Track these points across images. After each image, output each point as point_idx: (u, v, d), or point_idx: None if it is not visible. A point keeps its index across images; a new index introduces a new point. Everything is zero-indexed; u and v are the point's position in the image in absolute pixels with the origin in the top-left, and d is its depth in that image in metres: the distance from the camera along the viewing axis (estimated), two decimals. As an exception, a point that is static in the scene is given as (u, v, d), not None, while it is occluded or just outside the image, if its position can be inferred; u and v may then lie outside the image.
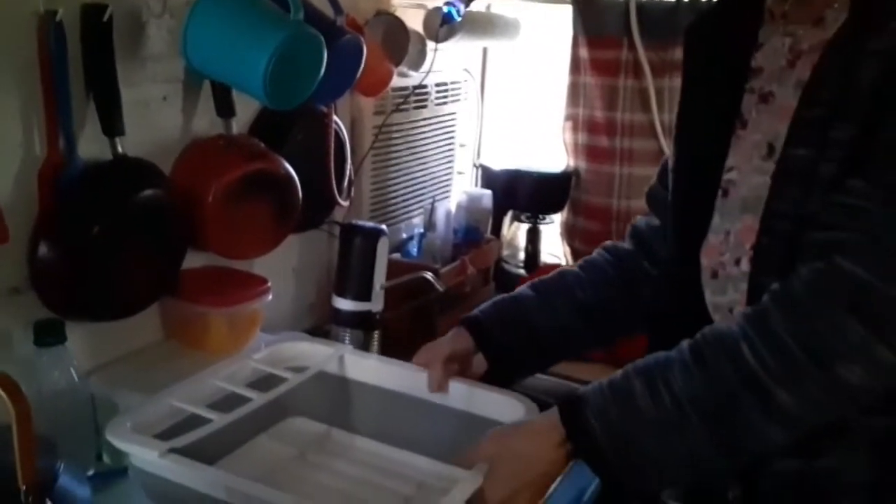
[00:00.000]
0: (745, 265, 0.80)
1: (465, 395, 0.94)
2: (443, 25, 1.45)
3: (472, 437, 0.84)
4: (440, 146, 1.75)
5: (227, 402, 0.90)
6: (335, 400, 1.01)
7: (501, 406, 0.91)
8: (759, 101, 0.82)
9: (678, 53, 1.57)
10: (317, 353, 1.02)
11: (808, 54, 0.78)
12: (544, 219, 1.81)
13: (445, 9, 1.43)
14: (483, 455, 0.79)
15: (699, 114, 0.89)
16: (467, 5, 1.44)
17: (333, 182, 1.33)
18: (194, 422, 0.85)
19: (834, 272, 0.69)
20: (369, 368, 1.01)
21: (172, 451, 0.79)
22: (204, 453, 0.81)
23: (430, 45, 1.49)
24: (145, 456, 0.79)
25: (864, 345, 0.66)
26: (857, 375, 0.67)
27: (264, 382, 0.96)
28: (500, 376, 0.97)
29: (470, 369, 0.99)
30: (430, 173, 1.74)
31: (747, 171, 0.82)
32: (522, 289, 1.02)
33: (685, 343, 0.75)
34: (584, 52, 1.66)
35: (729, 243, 0.82)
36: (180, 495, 0.78)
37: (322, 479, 0.94)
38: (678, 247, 0.90)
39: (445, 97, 1.73)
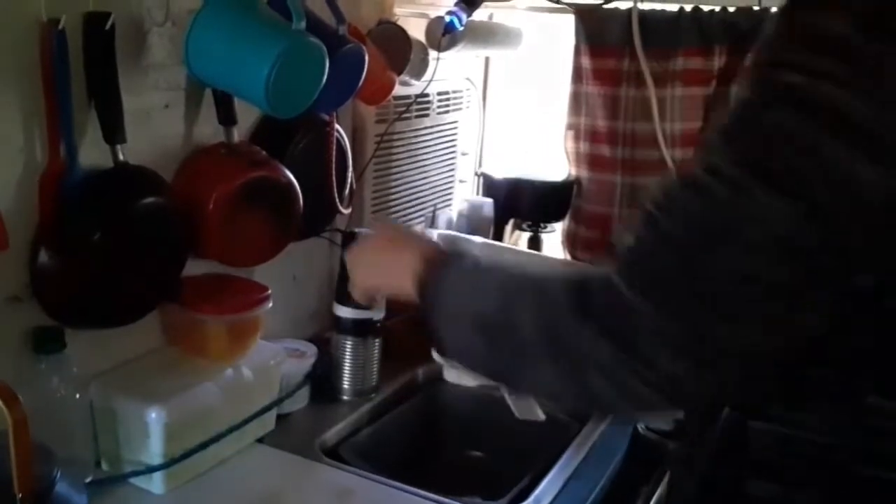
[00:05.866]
0: None
1: None
2: (445, 34, 1.45)
3: None
4: (442, 155, 1.76)
5: None
6: None
7: None
8: None
9: (680, 63, 1.61)
10: None
11: None
12: (546, 227, 1.80)
13: (447, 18, 1.43)
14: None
15: None
16: (469, 15, 1.44)
17: (335, 190, 1.33)
18: None
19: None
20: None
21: None
22: None
23: (433, 54, 1.49)
24: None
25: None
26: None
27: None
28: None
29: None
30: (432, 182, 1.74)
31: None
32: None
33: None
34: (586, 62, 1.66)
35: None
36: None
37: None
38: None
39: (447, 106, 1.73)
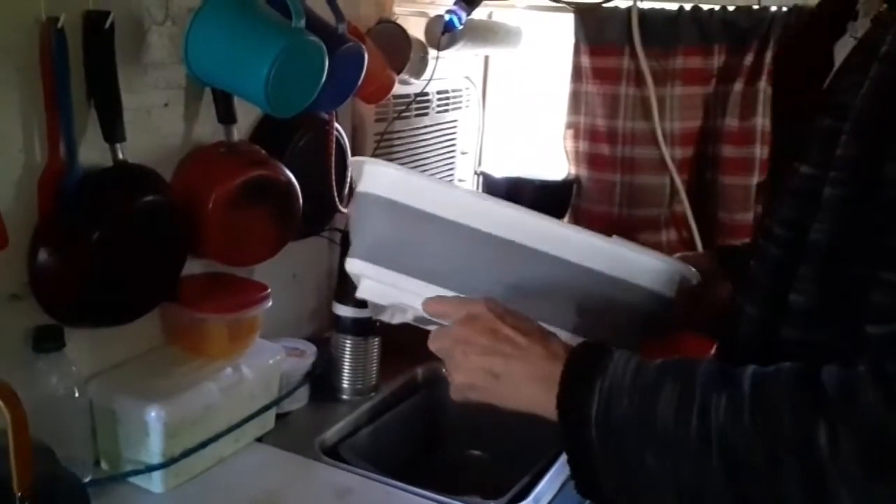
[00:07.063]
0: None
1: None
2: (444, 33, 1.45)
3: None
4: (441, 154, 1.76)
5: None
6: None
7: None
8: None
9: (679, 62, 1.61)
10: None
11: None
12: (545, 226, 1.80)
13: (447, 17, 1.43)
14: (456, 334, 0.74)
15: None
16: (469, 13, 1.44)
17: (334, 189, 1.33)
18: None
19: None
20: None
21: None
22: None
23: (432, 52, 1.49)
24: None
25: None
26: None
27: None
28: None
29: (711, 294, 0.90)
30: (432, 180, 1.74)
31: None
32: None
33: (750, 373, 0.62)
34: (585, 60, 1.66)
35: None
36: None
37: None
38: None
39: (447, 105, 1.73)
